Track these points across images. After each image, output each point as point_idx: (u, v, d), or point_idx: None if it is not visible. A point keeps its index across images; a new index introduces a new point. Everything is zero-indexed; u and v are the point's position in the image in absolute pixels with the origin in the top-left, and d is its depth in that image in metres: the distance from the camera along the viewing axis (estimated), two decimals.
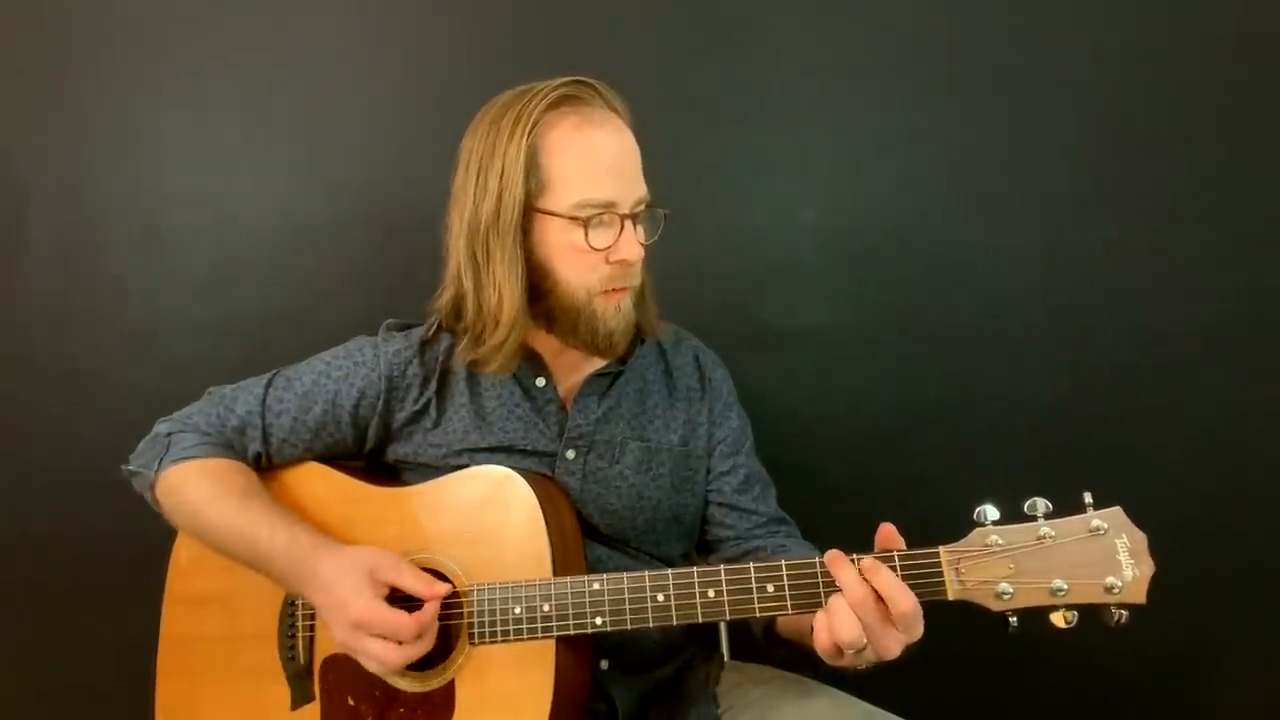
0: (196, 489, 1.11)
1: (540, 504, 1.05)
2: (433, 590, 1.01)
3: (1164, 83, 1.55)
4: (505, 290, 1.06)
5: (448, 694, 1.04)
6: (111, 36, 1.65)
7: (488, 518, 1.07)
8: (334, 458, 1.18)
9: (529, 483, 1.06)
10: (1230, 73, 1.54)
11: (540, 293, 1.09)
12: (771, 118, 1.62)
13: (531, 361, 1.15)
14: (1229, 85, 1.54)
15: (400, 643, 0.98)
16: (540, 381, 1.16)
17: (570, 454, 1.14)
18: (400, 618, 0.98)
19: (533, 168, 1.05)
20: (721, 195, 1.62)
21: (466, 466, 1.11)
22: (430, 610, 1.00)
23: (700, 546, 1.26)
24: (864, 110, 1.61)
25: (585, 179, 1.05)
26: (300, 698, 1.10)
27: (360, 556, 1.02)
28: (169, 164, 1.66)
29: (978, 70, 1.58)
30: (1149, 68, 1.55)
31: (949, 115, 1.59)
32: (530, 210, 1.06)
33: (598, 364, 1.17)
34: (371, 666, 1.01)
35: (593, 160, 1.05)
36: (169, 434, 1.15)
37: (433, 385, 1.16)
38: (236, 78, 1.66)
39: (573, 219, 1.04)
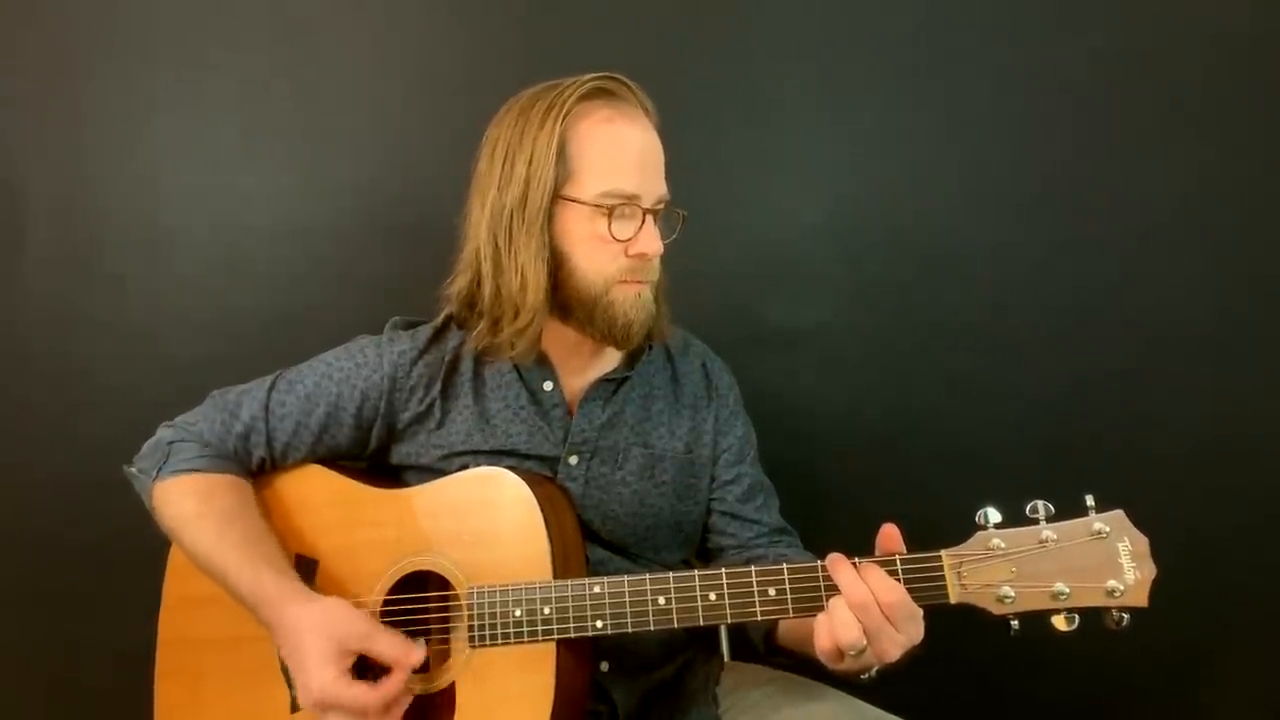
0: (182, 506, 1.10)
1: (540, 505, 1.05)
2: (407, 658, 0.99)
3: (1164, 83, 1.55)
4: (529, 274, 1.06)
5: (448, 697, 1.04)
6: (111, 36, 1.65)
7: (487, 519, 1.07)
8: (339, 459, 1.18)
9: (528, 484, 1.06)
10: (1231, 73, 1.54)
11: (556, 281, 1.08)
12: (772, 118, 1.62)
13: (540, 364, 1.15)
14: (1229, 85, 1.54)
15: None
16: (548, 385, 1.15)
17: (573, 459, 1.14)
18: (365, 697, 0.96)
19: (561, 155, 1.05)
20: (722, 195, 1.62)
21: (467, 469, 1.11)
22: (396, 681, 0.98)
23: (701, 554, 1.26)
24: (864, 110, 1.61)
25: (612, 169, 1.06)
26: None
27: (330, 619, 0.99)
28: (169, 164, 1.66)
29: (978, 71, 1.58)
30: (1149, 68, 1.55)
31: (949, 115, 1.59)
32: (555, 198, 1.06)
33: (605, 368, 1.18)
34: None
35: (621, 152, 1.07)
36: (171, 442, 1.14)
37: (438, 385, 1.15)
38: (236, 78, 1.65)
39: (597, 207, 1.05)
